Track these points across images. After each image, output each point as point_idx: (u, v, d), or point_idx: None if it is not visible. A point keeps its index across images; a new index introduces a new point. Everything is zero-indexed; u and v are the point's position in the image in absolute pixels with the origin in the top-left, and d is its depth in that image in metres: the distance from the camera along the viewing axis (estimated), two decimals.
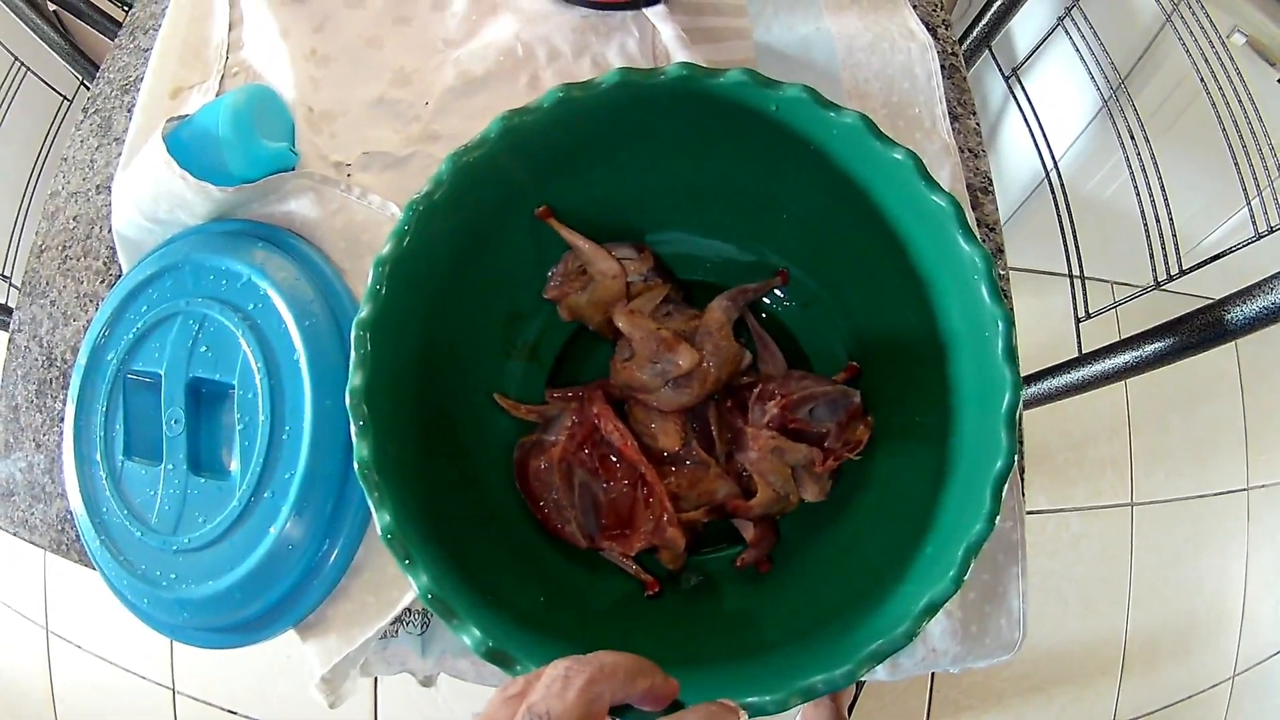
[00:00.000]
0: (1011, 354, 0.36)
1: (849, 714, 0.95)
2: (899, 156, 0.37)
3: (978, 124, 0.54)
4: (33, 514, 0.52)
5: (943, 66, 0.54)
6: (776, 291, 0.44)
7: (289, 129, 0.50)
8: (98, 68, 0.63)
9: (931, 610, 0.33)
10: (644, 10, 0.52)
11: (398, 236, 0.36)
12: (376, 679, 1.04)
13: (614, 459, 0.41)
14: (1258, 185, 0.61)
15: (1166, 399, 1.21)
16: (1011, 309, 0.50)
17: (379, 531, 0.34)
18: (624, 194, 0.42)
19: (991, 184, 0.52)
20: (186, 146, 0.47)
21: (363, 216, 0.47)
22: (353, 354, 0.35)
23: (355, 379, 0.35)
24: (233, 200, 0.48)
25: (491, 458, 0.42)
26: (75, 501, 0.49)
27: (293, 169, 0.48)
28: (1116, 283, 0.91)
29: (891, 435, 0.41)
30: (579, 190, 0.41)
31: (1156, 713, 1.08)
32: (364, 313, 0.35)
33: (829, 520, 0.41)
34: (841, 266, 0.43)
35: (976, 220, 0.51)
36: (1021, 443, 0.48)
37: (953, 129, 0.52)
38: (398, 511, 0.34)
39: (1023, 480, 0.47)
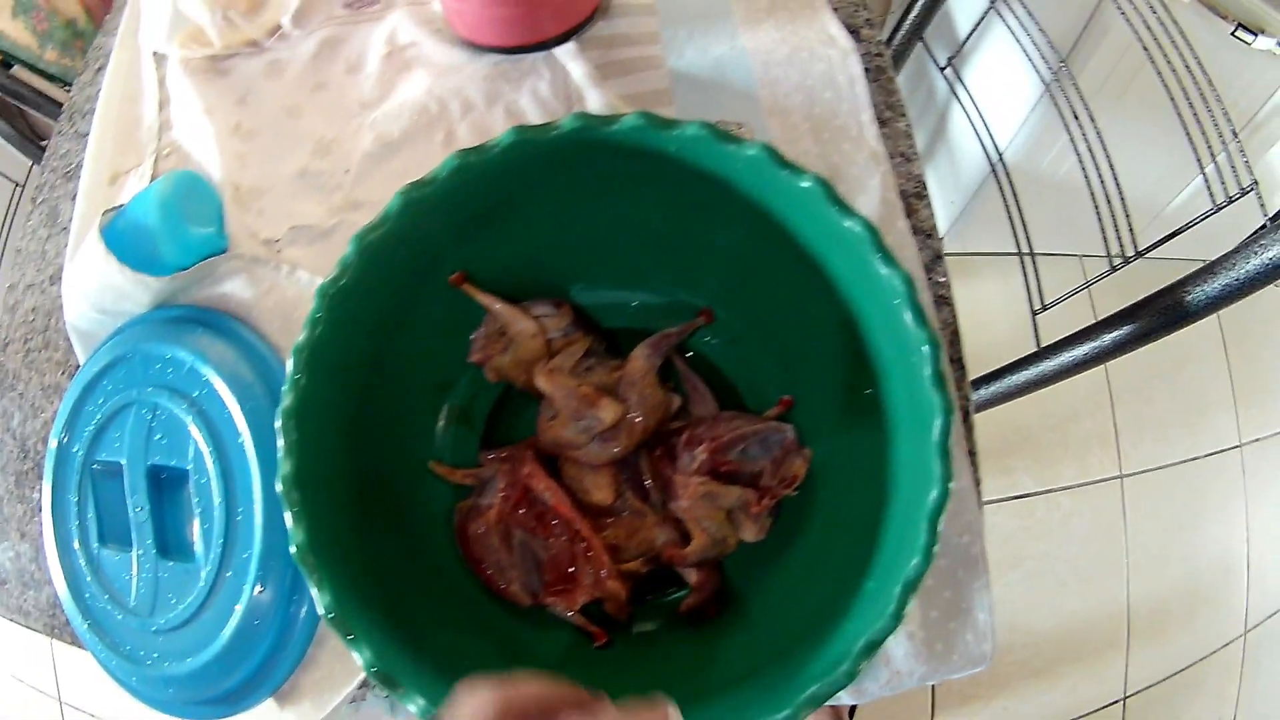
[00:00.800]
0: (939, 379, 0.35)
1: (850, 716, 0.95)
2: (806, 184, 0.36)
3: (909, 126, 0.53)
4: (25, 600, 0.54)
5: (868, 69, 0.53)
6: (704, 335, 0.44)
7: (217, 211, 0.50)
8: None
9: (871, 649, 0.33)
10: (554, 50, 0.52)
11: (311, 324, 0.36)
12: None
13: (551, 516, 0.41)
14: (1211, 152, 0.59)
15: (1148, 366, 1.18)
16: (954, 316, 0.49)
17: (320, 612, 0.34)
18: (539, 249, 0.42)
19: (926, 188, 0.51)
20: (122, 238, 0.48)
21: (293, 293, 0.48)
22: (280, 442, 0.36)
23: (285, 467, 0.35)
24: (171, 288, 0.49)
25: (433, 523, 0.42)
26: (60, 588, 0.51)
27: (224, 251, 0.49)
28: (1086, 255, 0.89)
29: (831, 467, 0.41)
30: (493, 251, 0.41)
31: (1170, 678, 1.06)
32: (286, 401, 0.36)
33: (774, 557, 0.41)
34: (765, 300, 0.43)
35: (911, 227, 0.50)
36: (975, 453, 0.48)
37: (882, 134, 0.51)
38: (337, 591, 0.35)
39: (979, 491, 0.46)
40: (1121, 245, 0.62)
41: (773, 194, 0.38)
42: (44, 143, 0.84)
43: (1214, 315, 0.47)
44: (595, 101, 0.49)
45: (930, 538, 0.34)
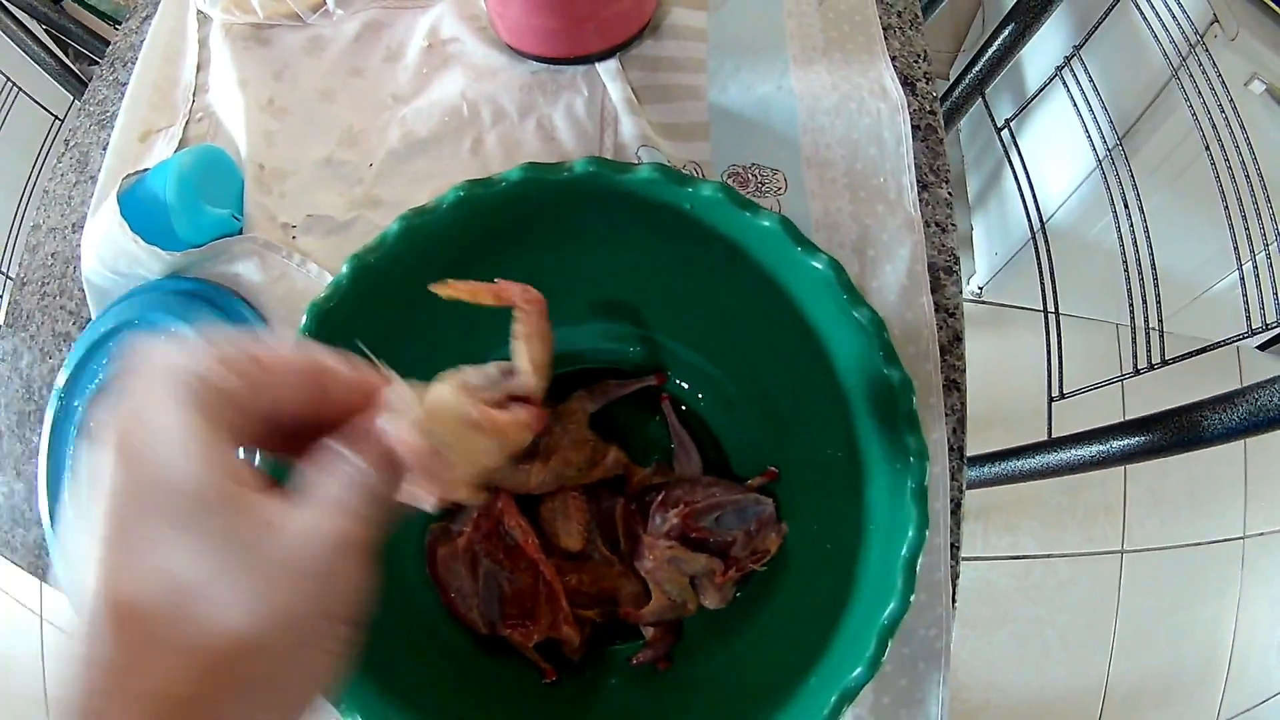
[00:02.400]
0: (920, 493, 0.34)
1: None
2: (819, 266, 0.35)
3: (950, 193, 0.50)
4: (14, 536, 0.56)
5: (917, 127, 0.51)
6: (698, 392, 0.43)
7: (237, 190, 0.50)
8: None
9: None
10: (596, 66, 0.50)
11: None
12: None
13: (519, 551, 0.41)
14: (1253, 251, 0.56)
15: None
16: (963, 403, 0.47)
17: None
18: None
19: (958, 262, 0.49)
20: (139, 208, 0.48)
21: (302, 284, 0.47)
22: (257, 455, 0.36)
23: None
24: (184, 260, 0.49)
25: (407, 541, 0.43)
26: (48, 534, 0.52)
27: (239, 233, 0.49)
28: (1121, 325, 0.85)
29: (803, 547, 0.40)
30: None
31: None
32: None
33: (732, 626, 0.41)
34: (765, 367, 0.42)
35: (935, 304, 0.48)
36: (958, 546, 0.47)
37: (920, 199, 0.49)
38: None
39: (955, 585, 0.45)
40: (1149, 357, 0.59)
41: (783, 267, 0.37)
42: (88, 76, 0.84)
43: None
44: (629, 129, 0.48)
45: (878, 651, 0.33)
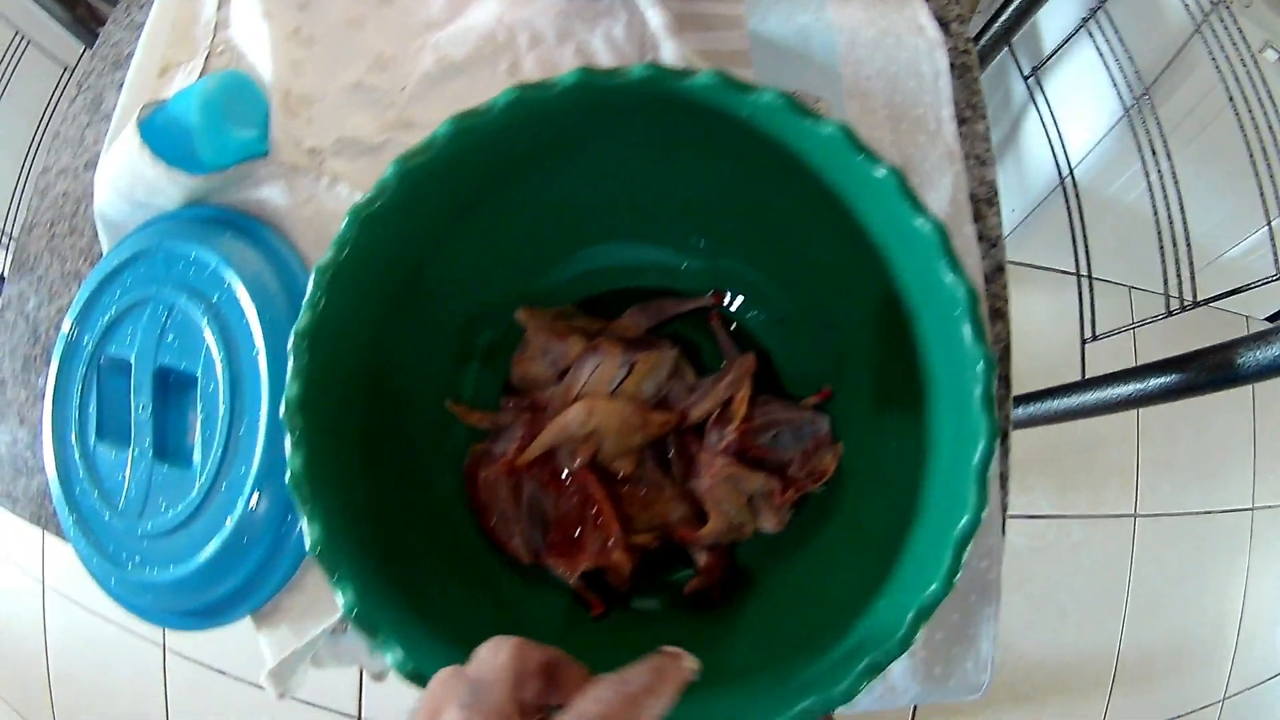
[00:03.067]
0: (988, 401, 0.33)
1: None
2: (880, 174, 0.34)
3: (987, 128, 0.50)
4: (15, 486, 0.53)
5: (953, 65, 0.50)
6: (750, 309, 0.42)
7: (263, 115, 0.48)
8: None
9: (874, 671, 0.31)
10: None
11: (338, 245, 0.34)
12: None
13: (565, 474, 0.39)
14: None
15: (1179, 408, 1.13)
16: (1007, 332, 0.47)
17: (306, 546, 0.33)
18: (590, 198, 0.40)
19: (997, 194, 0.49)
20: (160, 132, 0.46)
21: (331, 206, 0.46)
22: (290, 363, 0.34)
23: (291, 390, 0.34)
24: (206, 186, 0.47)
25: (444, 465, 0.41)
26: (52, 479, 0.50)
27: (264, 156, 0.47)
28: (1134, 287, 0.86)
29: (860, 467, 0.39)
30: (540, 193, 0.39)
31: None
32: (302, 322, 0.34)
33: (788, 553, 0.39)
34: (820, 283, 0.41)
35: (979, 234, 0.47)
36: (1006, 476, 0.46)
37: (960, 133, 0.49)
38: (328, 526, 0.33)
39: (1005, 515, 0.44)
40: (1180, 286, 0.59)
41: (843, 176, 0.36)
42: (99, 29, 0.81)
43: None
44: (671, 52, 0.47)
45: (954, 564, 0.31)
